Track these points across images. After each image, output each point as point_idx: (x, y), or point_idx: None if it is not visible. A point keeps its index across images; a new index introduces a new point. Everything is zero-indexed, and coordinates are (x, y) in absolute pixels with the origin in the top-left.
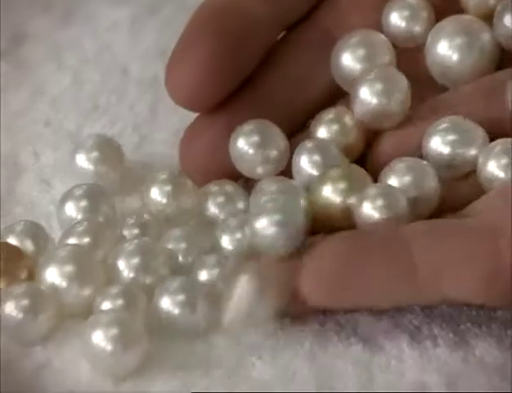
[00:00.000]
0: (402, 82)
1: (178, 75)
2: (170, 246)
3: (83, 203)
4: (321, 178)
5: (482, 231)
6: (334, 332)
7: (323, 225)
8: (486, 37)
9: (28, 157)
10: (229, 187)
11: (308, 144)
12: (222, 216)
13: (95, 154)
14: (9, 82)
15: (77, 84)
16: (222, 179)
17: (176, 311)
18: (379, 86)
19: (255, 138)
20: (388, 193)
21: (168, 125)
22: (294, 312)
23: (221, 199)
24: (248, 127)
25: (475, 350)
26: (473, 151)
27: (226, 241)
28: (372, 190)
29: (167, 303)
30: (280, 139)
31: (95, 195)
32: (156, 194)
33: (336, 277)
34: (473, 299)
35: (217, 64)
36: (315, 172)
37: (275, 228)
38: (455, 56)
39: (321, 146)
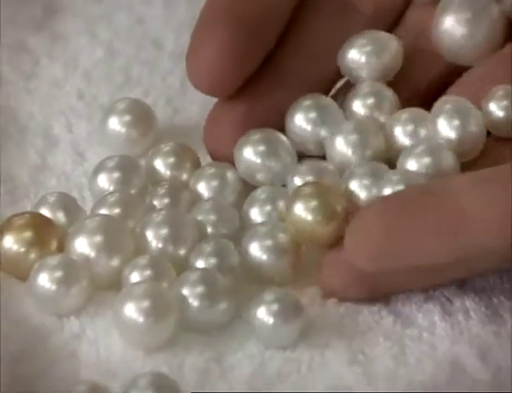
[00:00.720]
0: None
1: (198, 64)
2: (200, 217)
3: (116, 175)
4: (293, 196)
5: None
6: (365, 305)
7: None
8: (494, 10)
9: (61, 129)
10: None
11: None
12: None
13: (127, 117)
14: (43, 55)
15: (110, 57)
16: None
17: (195, 303)
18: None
19: (262, 148)
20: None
21: (200, 98)
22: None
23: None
24: (255, 136)
25: (507, 324)
26: None
27: (255, 214)
28: (394, 176)
29: (186, 293)
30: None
31: (127, 166)
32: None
33: (383, 235)
34: None
35: (237, 50)
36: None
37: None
38: (462, 32)
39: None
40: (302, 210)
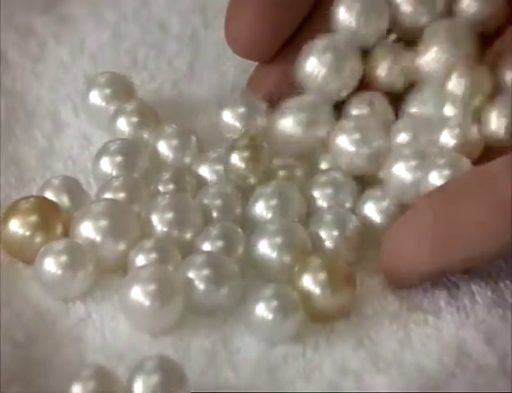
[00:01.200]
0: None
1: (236, 28)
2: (206, 201)
3: (118, 158)
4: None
5: None
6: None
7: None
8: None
9: (68, 113)
10: None
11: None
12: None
13: (107, 91)
14: (50, 38)
15: (116, 40)
16: None
17: (201, 286)
18: None
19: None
20: None
21: (206, 81)
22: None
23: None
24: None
25: None
26: None
27: (260, 208)
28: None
29: (192, 276)
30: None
31: (129, 150)
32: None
33: (435, 229)
34: None
35: (273, 15)
36: None
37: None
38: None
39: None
40: (310, 284)
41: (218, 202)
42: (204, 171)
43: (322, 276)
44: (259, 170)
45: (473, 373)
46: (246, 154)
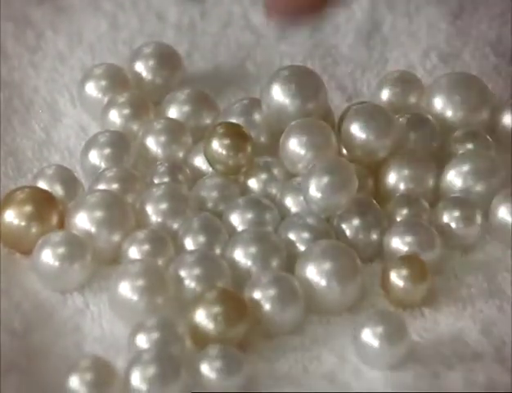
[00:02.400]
0: None
1: None
2: (202, 193)
3: (106, 151)
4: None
5: None
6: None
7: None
8: None
9: (65, 104)
10: None
11: None
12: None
13: (104, 82)
14: (47, 28)
15: (114, 30)
16: None
17: (192, 285)
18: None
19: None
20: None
21: (203, 71)
22: None
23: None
24: None
25: (511, 299)
26: None
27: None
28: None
29: (183, 274)
30: None
31: (117, 143)
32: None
33: None
34: None
35: None
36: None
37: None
38: None
39: None
40: (204, 318)
41: (215, 194)
42: (199, 161)
43: (216, 309)
44: (242, 159)
45: (470, 363)
46: (227, 141)
